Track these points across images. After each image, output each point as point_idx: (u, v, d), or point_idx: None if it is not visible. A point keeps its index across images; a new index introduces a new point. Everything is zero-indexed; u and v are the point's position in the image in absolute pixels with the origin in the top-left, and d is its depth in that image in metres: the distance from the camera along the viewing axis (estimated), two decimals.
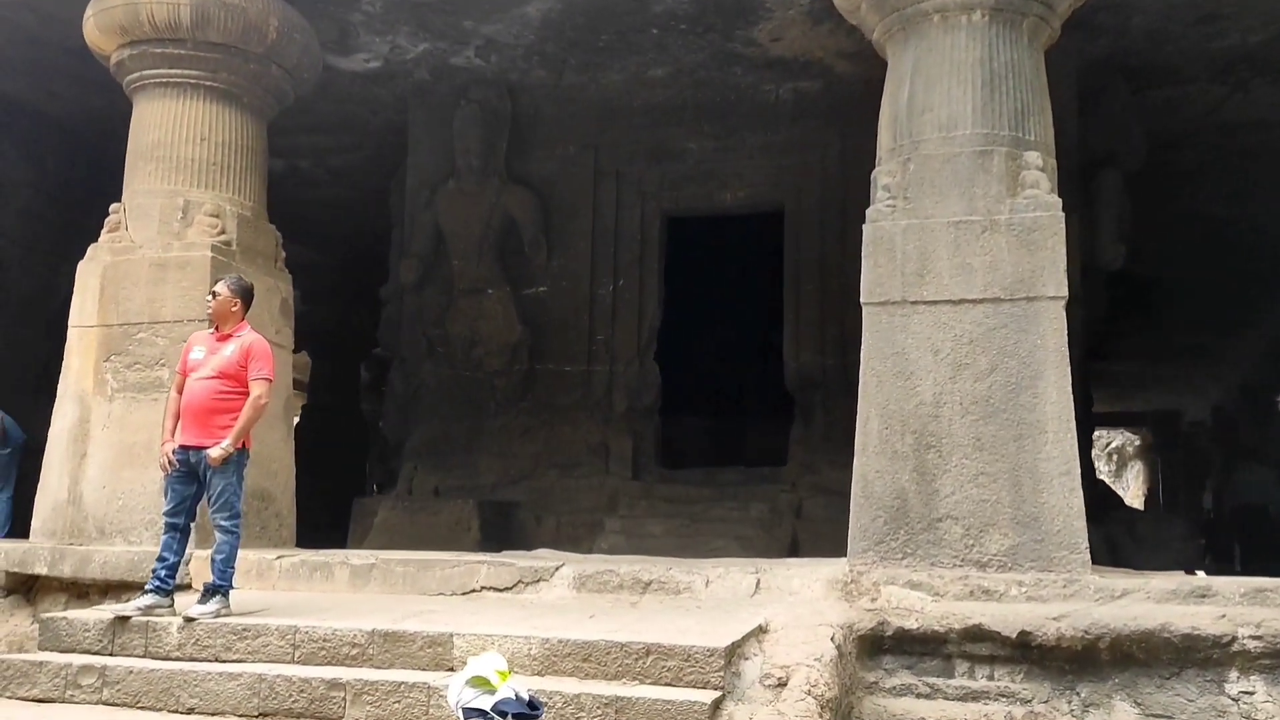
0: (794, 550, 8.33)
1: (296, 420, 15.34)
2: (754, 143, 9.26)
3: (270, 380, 4.88)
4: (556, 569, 5.39)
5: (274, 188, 12.54)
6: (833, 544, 8.40)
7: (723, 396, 11.21)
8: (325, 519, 14.12)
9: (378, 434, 12.03)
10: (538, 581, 5.38)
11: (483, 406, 9.53)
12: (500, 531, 8.95)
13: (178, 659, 4.51)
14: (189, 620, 4.53)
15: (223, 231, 6.25)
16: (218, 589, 4.67)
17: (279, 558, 5.76)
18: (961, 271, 5.16)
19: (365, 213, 12.95)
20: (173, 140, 6.27)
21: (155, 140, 6.32)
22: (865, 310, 5.37)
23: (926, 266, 5.23)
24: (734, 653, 4.14)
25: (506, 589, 5.40)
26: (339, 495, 14.54)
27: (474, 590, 5.44)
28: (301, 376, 18.81)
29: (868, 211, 5.50)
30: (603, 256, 9.49)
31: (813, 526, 8.46)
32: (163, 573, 4.70)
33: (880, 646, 4.83)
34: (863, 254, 5.46)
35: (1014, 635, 4.62)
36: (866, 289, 5.36)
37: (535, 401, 9.45)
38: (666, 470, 9.37)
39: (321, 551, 6.01)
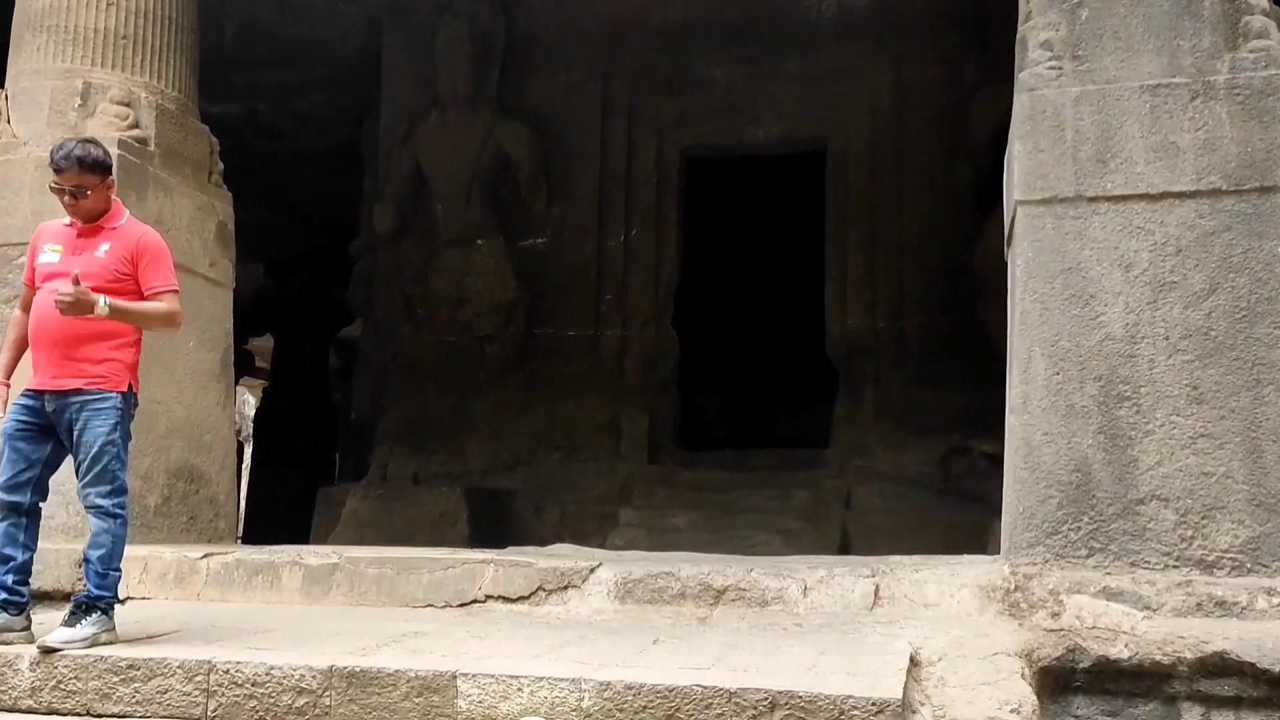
0: (845, 547, 6.75)
1: (255, 406, 13.63)
2: (791, 69, 7.70)
3: (178, 292, 3.22)
4: (591, 571, 3.78)
5: (230, 137, 10.73)
6: (890, 539, 6.84)
7: (750, 367, 9.58)
8: (289, 518, 12.42)
9: (349, 424, 10.36)
10: (565, 588, 3.77)
11: (471, 378, 7.89)
12: (493, 525, 7.32)
13: (29, 711, 2.87)
14: (47, 652, 2.89)
15: (136, 125, 4.61)
16: (95, 603, 3.02)
17: (206, 557, 4.11)
18: (1162, 154, 3.60)
19: (336, 169, 11.28)
20: (71, 4, 4.59)
21: (47, 4, 4.65)
22: (1020, 212, 3.80)
23: (1111, 149, 3.67)
24: (906, 705, 2.55)
25: (522, 599, 3.79)
26: (307, 491, 12.86)
27: (476, 600, 3.83)
28: (263, 361, 17.05)
29: (1019, 78, 3.95)
30: (612, 203, 7.89)
31: (866, 519, 6.90)
32: (8, 579, 3.03)
33: (1069, 683, 3.27)
34: (1013, 135, 3.90)
35: (1276, 669, 3.07)
36: (1023, 182, 3.79)
37: (533, 372, 7.83)
38: (688, 453, 7.77)
39: (265, 549, 4.37)
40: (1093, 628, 3.30)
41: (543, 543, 7.04)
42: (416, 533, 7.04)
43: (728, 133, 7.92)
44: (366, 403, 8.25)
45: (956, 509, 6.83)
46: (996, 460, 7.06)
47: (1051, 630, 3.32)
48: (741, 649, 3.06)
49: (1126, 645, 3.23)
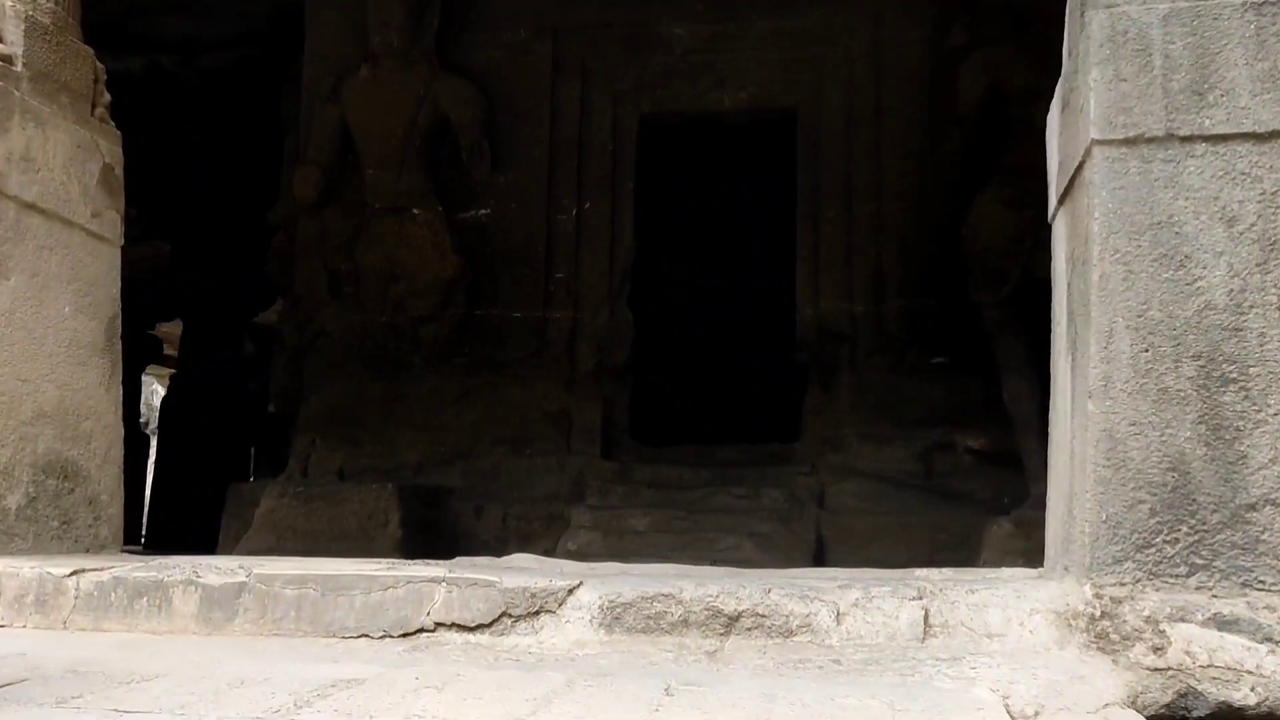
0: (821, 551, 6.06)
1: (163, 395, 12.46)
2: (761, 29, 6.99)
3: None
4: (569, 592, 2.99)
5: (129, 97, 9.81)
6: (869, 542, 6.18)
7: (709, 353, 8.83)
8: (200, 520, 11.32)
9: (265, 416, 9.36)
10: (537, 613, 2.98)
11: (404, 362, 7.03)
12: (429, 527, 6.47)
13: None
14: None
15: None
16: None
17: (75, 574, 3.21)
18: (1271, 85, 2.93)
19: (254, 136, 10.27)
20: None
21: None
22: (1098, 154, 3.09)
23: (1208, 78, 2.99)
24: None
25: (482, 627, 2.99)
26: (220, 490, 11.76)
27: (424, 630, 3.01)
28: (172, 348, 15.78)
29: None
30: (564, 172, 7.09)
31: (842, 520, 6.22)
32: None
33: None
34: (1088, 61, 3.19)
35: None
36: (1102, 118, 3.08)
37: (474, 357, 6.99)
38: (647, 447, 7.00)
39: (153, 562, 3.47)
40: (1207, 666, 2.61)
41: (484, 547, 6.23)
42: (341, 536, 6.17)
43: (690, 97, 7.17)
44: (285, 389, 7.31)
45: (941, 510, 6.20)
46: (983, 457, 6.46)
47: (1156, 670, 2.63)
48: (784, 700, 2.30)
49: (1253, 689, 2.55)
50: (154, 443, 13.40)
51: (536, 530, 6.55)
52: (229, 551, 6.65)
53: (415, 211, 6.90)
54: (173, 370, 14.05)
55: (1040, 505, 5.68)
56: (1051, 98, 5.91)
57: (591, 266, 7.06)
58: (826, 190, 6.87)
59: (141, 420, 17.18)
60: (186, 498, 11.42)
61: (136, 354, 15.93)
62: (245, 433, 12.38)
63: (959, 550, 6.01)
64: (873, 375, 6.60)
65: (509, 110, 7.12)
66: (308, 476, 6.95)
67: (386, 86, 6.99)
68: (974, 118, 6.24)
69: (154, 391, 19.98)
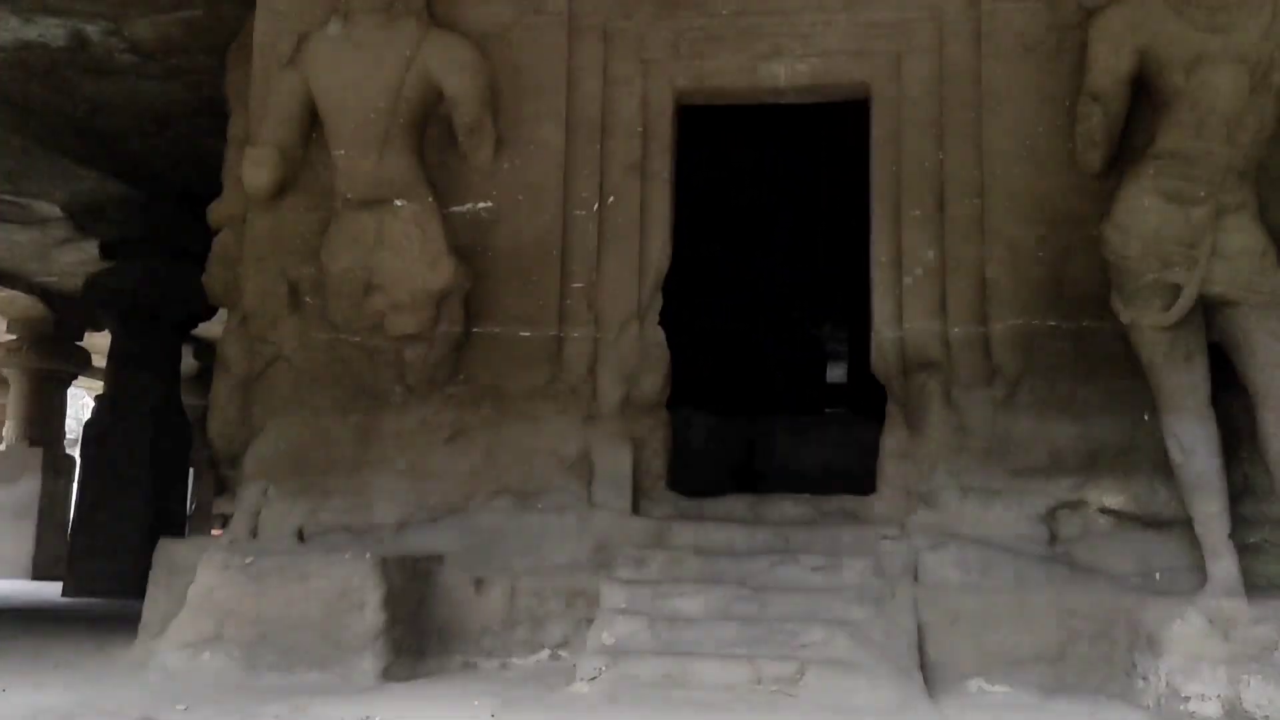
0: (922, 643, 4.60)
1: (88, 416, 10.61)
2: None
3: None
4: None
5: (50, 71, 8.06)
6: (979, 627, 4.71)
7: (747, 381, 7.33)
8: (128, 561, 9.55)
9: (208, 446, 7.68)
10: None
11: (383, 392, 5.46)
12: (417, 608, 4.91)
13: None
14: None
15: None
16: None
17: None
18: None
19: (195, 121, 8.58)
20: None
21: None
22: None
23: None
24: None
25: None
26: (154, 527, 9.97)
27: None
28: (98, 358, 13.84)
29: None
30: (582, 157, 5.58)
31: (944, 600, 4.84)
32: None
33: None
34: None
35: None
36: None
37: (473, 386, 5.45)
38: (686, 499, 5.48)
39: None
40: None
41: (487, 634, 4.69)
42: (303, 625, 4.65)
43: (737, 70, 5.68)
44: (229, 425, 5.66)
45: (1072, 587, 4.80)
46: (1124, 519, 5.02)
47: None
48: None
49: None
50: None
51: (553, 611, 5.01)
52: (151, 638, 5.02)
53: (399, 204, 5.33)
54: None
55: (1234, 591, 4.29)
56: (1222, 60, 4.38)
57: (616, 274, 5.54)
58: (910, 184, 5.42)
59: (70, 438, 15.25)
60: (113, 533, 9.66)
61: (61, 367, 14.06)
62: (183, 459, 10.63)
63: (1098, 642, 4.60)
64: (974, 413, 5.15)
65: (515, 81, 5.58)
66: (258, 538, 5.32)
67: (364, 47, 5.42)
68: (1116, 91, 4.84)
69: (84, 405, 17.98)
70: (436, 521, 5.29)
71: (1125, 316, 4.60)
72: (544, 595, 5.03)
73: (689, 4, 5.65)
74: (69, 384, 14.40)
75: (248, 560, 4.77)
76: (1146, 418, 4.91)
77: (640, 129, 5.62)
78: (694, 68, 5.69)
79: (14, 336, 13.58)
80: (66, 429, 14.48)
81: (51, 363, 13.49)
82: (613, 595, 4.79)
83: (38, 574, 12.74)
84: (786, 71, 5.63)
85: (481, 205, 5.52)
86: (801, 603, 4.70)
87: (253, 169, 5.38)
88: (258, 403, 5.53)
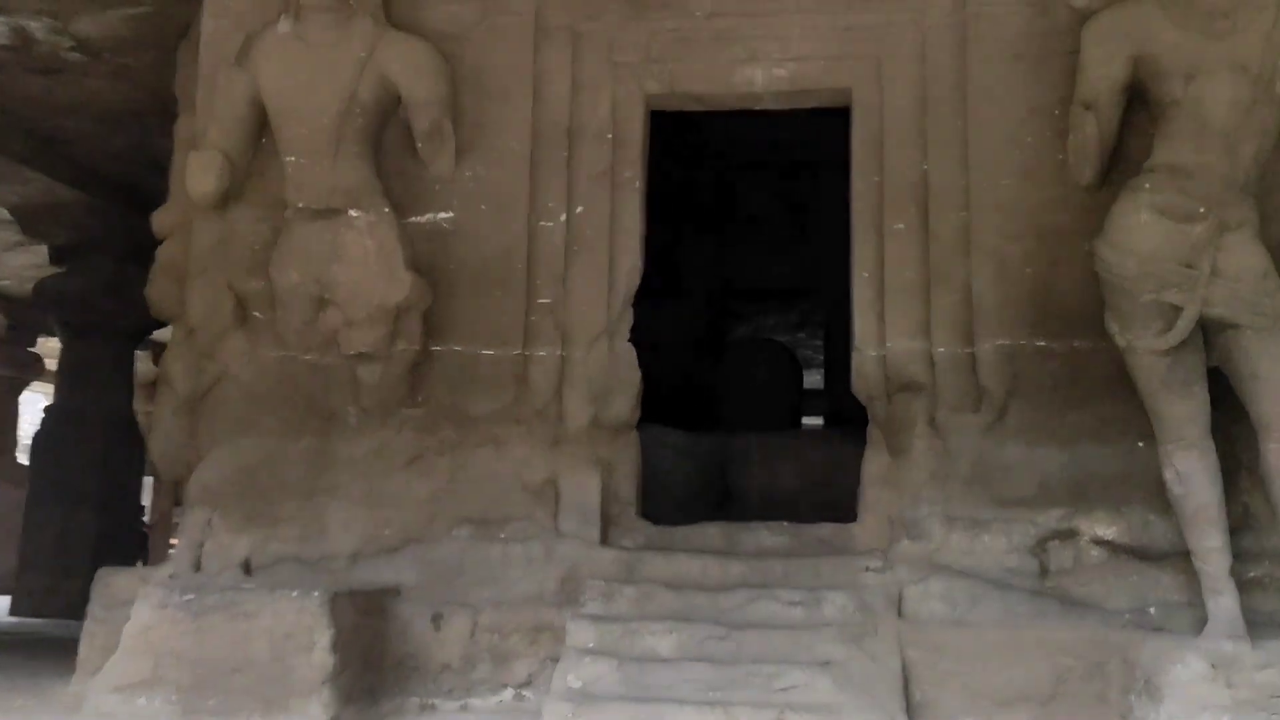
0: (907, 682, 4.33)
1: (38, 428, 10.14)
2: None
3: None
4: None
5: None
6: (966, 663, 4.44)
7: (717, 391, 7.02)
8: (77, 568, 9.11)
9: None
10: None
11: (337, 415, 5.12)
12: (370, 646, 4.58)
13: None
14: None
15: None
16: None
17: None
18: None
19: (144, 122, 8.18)
20: None
21: None
22: None
23: None
24: None
25: None
26: (104, 534, 9.55)
27: None
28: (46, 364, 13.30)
29: None
30: (549, 165, 5.26)
31: (930, 635, 4.56)
32: None
33: None
34: None
35: None
36: None
37: (432, 408, 5.11)
38: (656, 526, 5.17)
39: None
40: None
41: (445, 672, 4.37)
42: (246, 666, 4.31)
43: (712, 75, 5.39)
44: (172, 448, 5.29)
45: (1063, 622, 4.54)
46: (1118, 550, 4.77)
47: None
48: None
49: None
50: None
51: (516, 648, 4.70)
52: (89, 675, 4.66)
53: (354, 214, 4.99)
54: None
55: (1237, 632, 4.03)
56: (1221, 68, 4.12)
57: (584, 289, 5.23)
58: (893, 196, 5.14)
59: (25, 444, 14.73)
60: (61, 550, 9.22)
61: (13, 373, 13.54)
62: (137, 471, 10.18)
63: (1092, 681, 4.34)
64: (961, 438, 4.88)
65: (478, 85, 5.25)
66: (201, 570, 4.96)
67: (316, 47, 5.07)
68: (1109, 100, 4.58)
69: (41, 411, 17.41)
70: (393, 552, 4.96)
71: (1121, 339, 4.34)
72: (507, 631, 4.71)
73: (661, 5, 5.34)
74: (21, 390, 13.90)
75: (187, 597, 4.41)
76: (1141, 445, 4.66)
77: (610, 135, 5.31)
78: (666, 71, 5.38)
79: None
80: (20, 436, 13.98)
81: (2, 368, 13.01)
82: (580, 633, 4.47)
83: None
84: (764, 76, 5.33)
85: (442, 216, 5.19)
86: (780, 642, 4.40)
87: (197, 175, 5.02)
88: (203, 424, 5.17)
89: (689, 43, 5.36)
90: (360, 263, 4.92)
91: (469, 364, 5.10)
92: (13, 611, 9.39)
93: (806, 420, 9.52)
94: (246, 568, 4.91)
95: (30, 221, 9.39)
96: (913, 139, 5.14)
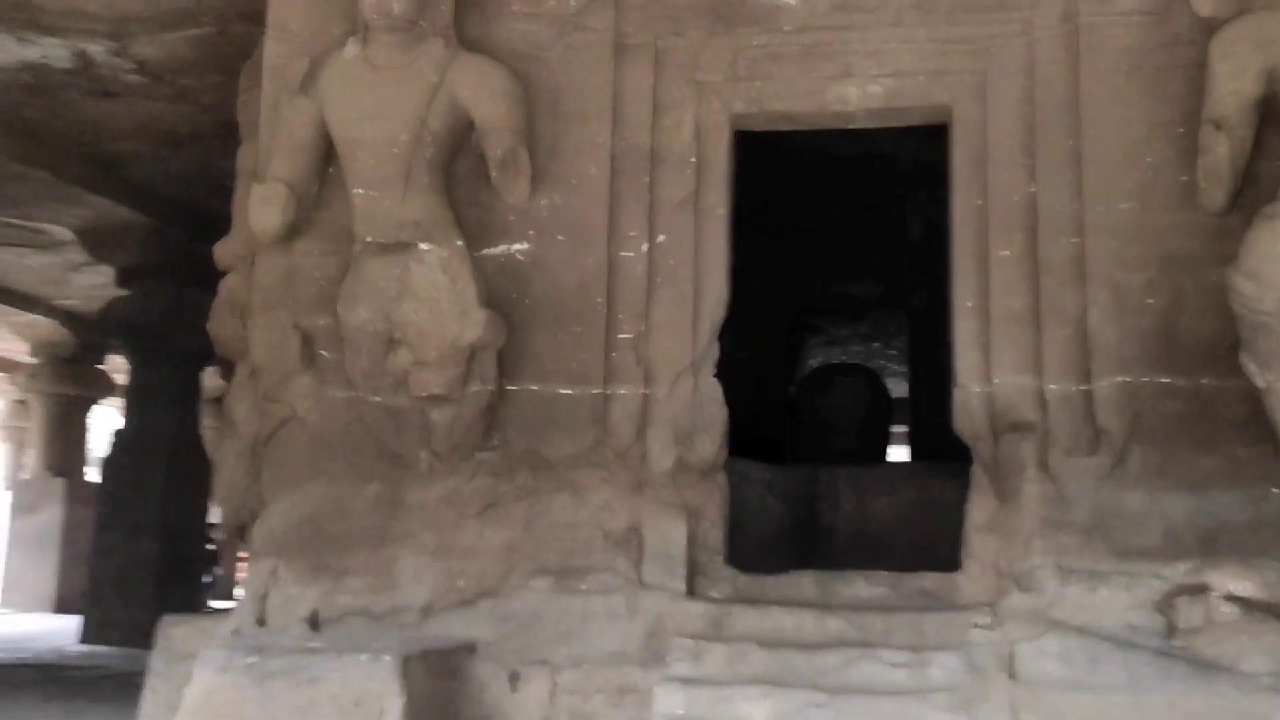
0: None
1: (106, 454, 10.05)
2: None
3: None
4: None
5: (54, 94, 7.45)
6: None
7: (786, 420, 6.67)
8: (145, 595, 9.02)
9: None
10: None
11: (407, 459, 4.84)
12: (444, 710, 4.29)
13: None
14: None
15: None
16: None
17: None
18: None
19: (211, 147, 8.03)
20: None
21: None
22: None
23: None
24: None
25: None
26: (171, 562, 9.43)
27: None
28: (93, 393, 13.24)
29: None
30: (630, 192, 4.95)
31: (1047, 699, 4.20)
32: None
33: None
34: None
35: None
36: None
37: (508, 452, 4.81)
38: (746, 576, 4.82)
39: None
40: None
41: None
42: None
43: (801, 93, 5.03)
44: (237, 493, 5.06)
45: (1194, 688, 4.10)
46: (1253, 607, 4.33)
47: None
48: None
49: None
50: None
51: (599, 711, 4.39)
52: None
53: (425, 248, 4.70)
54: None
55: None
56: None
57: (667, 323, 4.90)
58: (998, 220, 4.75)
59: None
60: (127, 576, 9.12)
61: (83, 391, 13.56)
62: (204, 496, 10.07)
63: None
64: (1076, 483, 4.47)
65: (554, 107, 4.95)
66: (266, 623, 4.72)
67: (384, 72, 4.80)
68: (1242, 119, 4.15)
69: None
70: (468, 605, 4.66)
71: (1260, 379, 3.92)
72: (589, 692, 4.39)
73: (749, 20, 5.00)
74: (90, 409, 13.93)
75: (250, 660, 4.15)
76: (1277, 491, 4.25)
77: (694, 159, 4.97)
78: (753, 90, 5.03)
79: (36, 361, 13.14)
80: (92, 455, 14.03)
81: (73, 387, 13.04)
82: (668, 698, 4.14)
83: (60, 607, 12.27)
84: (858, 93, 4.96)
85: (517, 247, 4.89)
86: (885, 709, 4.03)
87: (260, 209, 4.77)
88: (268, 468, 4.93)
89: (778, 59, 5.01)
90: (431, 300, 4.64)
91: (546, 404, 4.80)
92: (83, 638, 9.32)
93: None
94: (314, 622, 4.65)
95: (94, 244, 9.31)
96: (1019, 159, 4.75)
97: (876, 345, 11.37)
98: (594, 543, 4.70)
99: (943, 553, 4.88)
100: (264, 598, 4.75)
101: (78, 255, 10.39)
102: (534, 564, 4.69)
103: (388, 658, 4.10)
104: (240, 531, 5.11)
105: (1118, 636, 4.27)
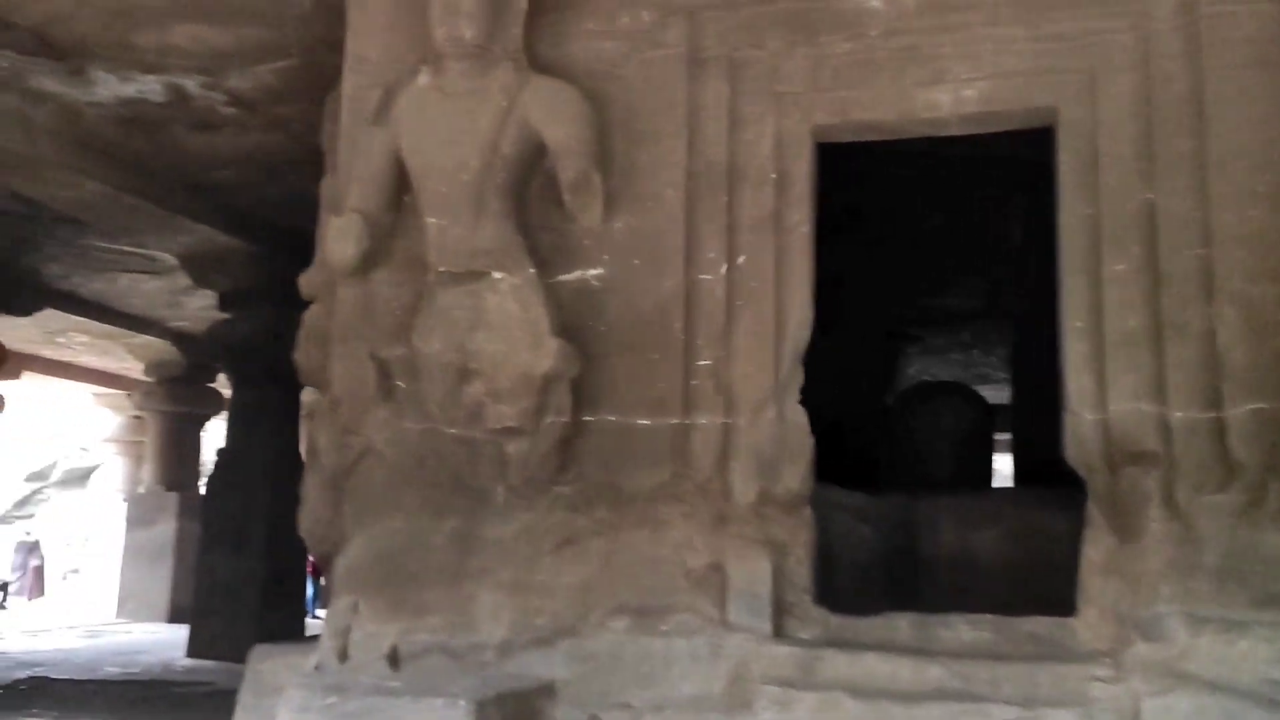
0: None
1: (209, 471, 10.32)
2: None
3: None
4: None
5: (154, 128, 7.62)
6: None
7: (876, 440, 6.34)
8: (245, 613, 9.17)
9: None
10: None
11: (483, 493, 4.70)
12: None
13: None
14: None
15: None
16: None
17: None
18: None
19: (305, 173, 8.11)
20: None
21: None
22: None
23: None
24: None
25: None
26: (273, 580, 9.59)
27: None
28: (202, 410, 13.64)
29: None
30: (707, 212, 4.70)
31: None
32: None
33: None
34: None
35: None
36: None
37: (584, 485, 4.62)
38: (837, 616, 4.52)
39: None
40: None
41: None
42: None
43: (889, 101, 4.70)
44: (320, 524, 5.01)
45: None
46: None
47: None
48: None
49: None
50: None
51: None
52: None
53: (497, 276, 4.56)
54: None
55: None
56: None
57: (749, 348, 4.64)
58: (1112, 230, 4.34)
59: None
60: (230, 594, 9.29)
61: (194, 409, 14.01)
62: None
63: None
64: (1208, 521, 4.04)
65: (627, 127, 4.75)
66: (348, 659, 4.64)
67: (455, 98, 4.68)
68: None
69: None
70: (545, 644, 4.50)
71: None
72: None
73: (832, 26, 4.70)
74: (202, 426, 14.40)
75: (329, 700, 4.07)
76: None
77: (774, 175, 4.70)
78: (837, 99, 4.73)
79: (151, 380, 13.64)
80: (204, 470, 14.49)
81: (185, 405, 13.50)
82: None
83: (173, 617, 12.70)
84: (951, 98, 4.61)
85: (591, 273, 4.71)
86: None
87: (336, 240, 4.71)
88: (349, 501, 4.86)
89: (863, 66, 4.70)
90: (503, 329, 4.49)
91: (623, 436, 4.60)
92: (189, 651, 9.55)
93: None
94: (394, 659, 4.55)
95: (197, 270, 9.55)
96: (1134, 163, 4.33)
97: (976, 353, 10.87)
98: (675, 581, 4.48)
99: (1053, 592, 4.49)
100: (346, 632, 4.67)
101: (186, 279, 10.70)
102: (613, 603, 4.49)
103: (463, 702, 3.95)
104: (324, 563, 5.04)
105: (1257, 694, 3.83)
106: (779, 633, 4.42)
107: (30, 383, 14.53)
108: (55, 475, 25.22)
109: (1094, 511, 4.32)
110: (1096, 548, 4.28)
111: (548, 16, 4.82)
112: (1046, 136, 4.64)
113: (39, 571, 20.43)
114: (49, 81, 6.84)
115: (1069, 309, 4.42)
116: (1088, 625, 4.22)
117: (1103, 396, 4.27)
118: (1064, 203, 4.48)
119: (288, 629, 9.24)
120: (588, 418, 4.62)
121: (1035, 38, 4.52)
